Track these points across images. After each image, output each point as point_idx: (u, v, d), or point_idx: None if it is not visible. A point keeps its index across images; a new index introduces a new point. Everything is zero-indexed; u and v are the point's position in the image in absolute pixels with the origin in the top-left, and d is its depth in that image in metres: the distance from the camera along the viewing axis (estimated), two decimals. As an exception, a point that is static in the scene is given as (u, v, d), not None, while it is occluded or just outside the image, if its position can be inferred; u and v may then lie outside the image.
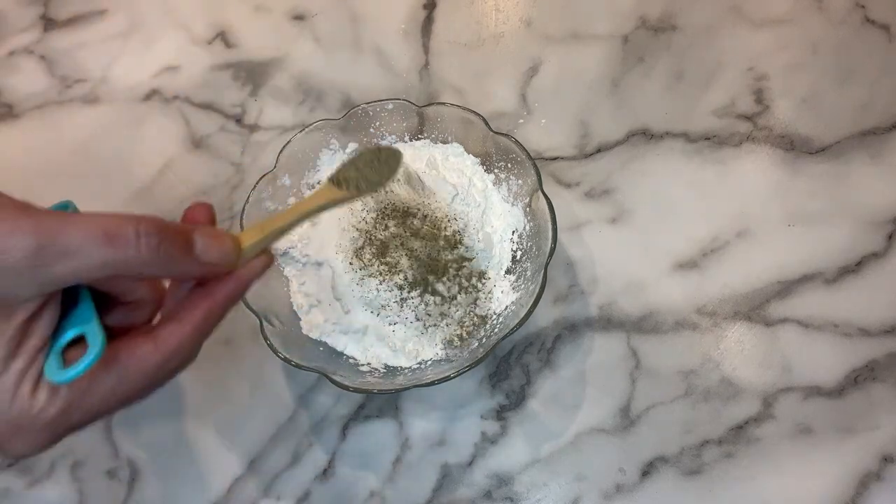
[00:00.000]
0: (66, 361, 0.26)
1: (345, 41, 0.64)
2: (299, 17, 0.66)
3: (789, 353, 0.47)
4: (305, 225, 0.50)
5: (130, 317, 0.30)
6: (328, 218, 0.49)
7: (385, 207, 0.49)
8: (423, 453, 0.45)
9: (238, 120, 0.60)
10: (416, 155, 0.52)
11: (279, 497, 0.45)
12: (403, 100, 0.50)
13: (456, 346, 0.46)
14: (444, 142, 0.52)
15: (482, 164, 0.51)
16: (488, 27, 0.64)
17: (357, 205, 0.50)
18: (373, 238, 0.48)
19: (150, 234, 0.26)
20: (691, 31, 0.62)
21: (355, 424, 0.47)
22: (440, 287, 0.46)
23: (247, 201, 0.47)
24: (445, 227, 0.48)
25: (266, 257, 0.32)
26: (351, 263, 0.47)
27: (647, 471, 0.44)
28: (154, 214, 0.27)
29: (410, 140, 0.53)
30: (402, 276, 0.47)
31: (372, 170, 0.38)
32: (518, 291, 0.46)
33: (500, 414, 0.46)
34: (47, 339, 0.26)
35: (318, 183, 0.52)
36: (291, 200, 0.51)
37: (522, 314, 0.41)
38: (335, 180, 0.36)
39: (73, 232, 0.24)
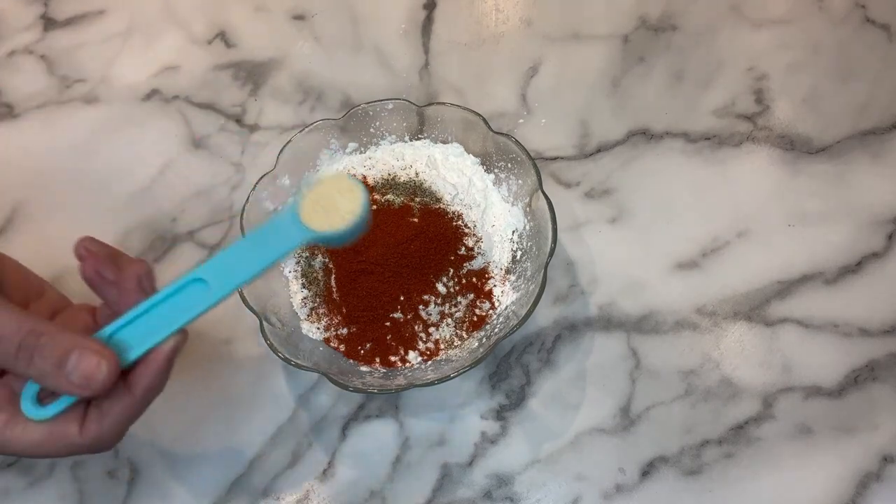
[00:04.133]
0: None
1: (345, 41, 0.64)
2: (299, 17, 0.66)
3: (789, 353, 0.47)
4: None
5: None
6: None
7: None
8: (423, 453, 0.45)
9: (238, 120, 0.60)
10: (416, 155, 0.52)
11: (279, 497, 0.44)
12: (403, 100, 0.50)
13: (456, 346, 0.46)
14: (444, 142, 0.52)
15: (482, 164, 0.51)
16: (488, 27, 0.64)
17: None
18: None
19: (28, 346, 0.28)
20: (691, 31, 0.62)
21: (355, 424, 0.46)
22: (440, 287, 0.46)
23: (247, 201, 0.47)
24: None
25: (178, 337, 0.31)
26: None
27: (647, 471, 0.44)
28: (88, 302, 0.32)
29: (410, 140, 0.53)
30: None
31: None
32: (518, 291, 0.46)
33: (500, 414, 0.46)
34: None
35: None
36: (291, 201, 0.51)
37: (522, 314, 0.41)
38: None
39: None
